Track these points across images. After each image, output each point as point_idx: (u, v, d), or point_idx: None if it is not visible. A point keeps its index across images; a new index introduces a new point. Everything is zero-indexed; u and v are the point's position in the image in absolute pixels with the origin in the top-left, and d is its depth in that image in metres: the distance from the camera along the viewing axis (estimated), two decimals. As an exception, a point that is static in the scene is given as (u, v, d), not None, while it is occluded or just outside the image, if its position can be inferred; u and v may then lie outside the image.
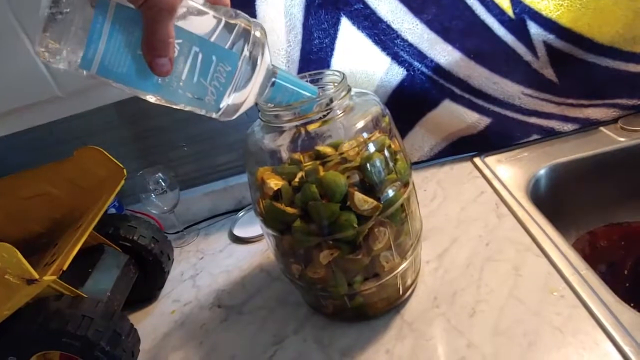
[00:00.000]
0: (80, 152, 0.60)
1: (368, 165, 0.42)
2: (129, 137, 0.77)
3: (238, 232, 0.74)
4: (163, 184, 0.73)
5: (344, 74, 0.44)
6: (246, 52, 0.35)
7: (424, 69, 0.67)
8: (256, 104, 0.44)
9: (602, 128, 0.69)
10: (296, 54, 0.66)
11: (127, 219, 0.63)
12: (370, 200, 0.42)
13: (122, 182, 0.59)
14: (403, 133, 0.74)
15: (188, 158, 0.81)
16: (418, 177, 0.74)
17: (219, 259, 0.71)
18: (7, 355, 0.46)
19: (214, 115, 0.37)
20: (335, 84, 0.44)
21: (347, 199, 0.42)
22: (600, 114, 0.69)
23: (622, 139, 0.66)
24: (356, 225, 0.42)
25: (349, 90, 0.44)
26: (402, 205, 0.44)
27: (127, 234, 0.61)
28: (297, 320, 0.54)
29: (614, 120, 0.69)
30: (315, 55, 0.67)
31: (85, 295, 0.51)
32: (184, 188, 0.82)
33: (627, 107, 0.68)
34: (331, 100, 0.42)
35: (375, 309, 0.50)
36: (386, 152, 0.43)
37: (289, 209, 0.43)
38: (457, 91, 0.68)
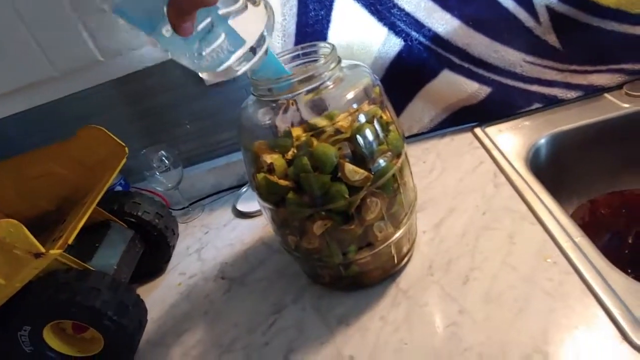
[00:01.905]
0: (83, 132, 0.62)
1: (358, 136, 0.42)
2: (133, 115, 0.79)
3: (241, 207, 0.76)
4: (166, 161, 0.74)
5: (333, 45, 0.44)
6: (253, 43, 0.36)
7: (422, 39, 0.66)
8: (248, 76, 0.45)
9: (606, 94, 0.68)
10: (292, 27, 0.66)
11: (131, 195, 0.65)
12: (361, 171, 0.42)
13: (124, 160, 0.60)
14: (402, 104, 0.73)
15: (191, 135, 0.82)
16: (418, 149, 0.74)
17: (223, 233, 0.73)
18: (22, 324, 0.48)
19: (204, 76, 0.38)
20: (325, 56, 0.44)
21: (339, 170, 0.42)
22: (604, 80, 0.67)
23: (626, 105, 0.64)
24: (347, 196, 0.42)
25: (339, 61, 0.44)
26: (394, 175, 0.45)
27: (131, 210, 0.62)
28: (296, 290, 0.55)
29: (619, 86, 0.68)
30: (311, 28, 0.66)
31: (92, 269, 0.53)
32: (188, 165, 0.84)
33: (632, 72, 0.66)
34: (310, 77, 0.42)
35: (371, 278, 0.51)
36: (377, 124, 0.43)
37: (282, 182, 0.44)
38: (457, 60, 0.67)
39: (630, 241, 0.62)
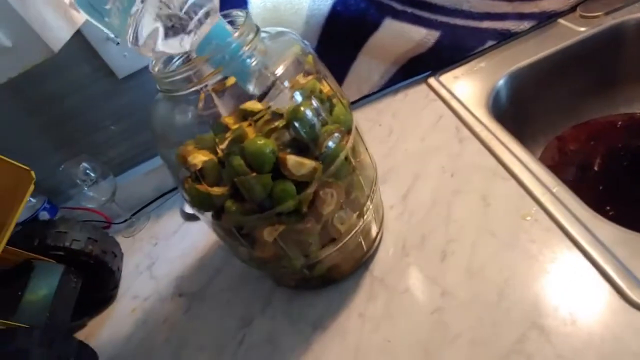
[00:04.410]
0: (-28, 162, 0.51)
1: (295, 120, 0.35)
2: (39, 127, 0.67)
3: (189, 208, 0.68)
4: (92, 174, 0.65)
5: (247, 12, 0.36)
6: None
7: (355, -13, 0.57)
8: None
9: (560, 20, 0.63)
10: (203, -5, 0.55)
11: (54, 224, 0.55)
12: (307, 161, 0.35)
13: (32, 186, 0.51)
14: (347, 65, 0.66)
15: (117, 138, 0.72)
16: (372, 111, 0.67)
17: (173, 242, 0.65)
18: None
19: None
20: (240, 27, 0.35)
21: (280, 166, 0.35)
22: (556, 4, 0.62)
23: (582, 29, 0.60)
24: (295, 194, 0.36)
25: (257, 31, 0.36)
26: (346, 158, 0.38)
27: (56, 242, 0.53)
28: (262, 297, 0.49)
29: (573, 9, 0.62)
30: (226, -8, 0.56)
31: (19, 325, 0.45)
32: (121, 172, 0.74)
33: (584, -9, 0.61)
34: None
35: (342, 272, 0.46)
36: (314, 101, 0.36)
37: (215, 190, 0.36)
38: (398, 6, 0.60)
39: (602, 174, 0.59)
